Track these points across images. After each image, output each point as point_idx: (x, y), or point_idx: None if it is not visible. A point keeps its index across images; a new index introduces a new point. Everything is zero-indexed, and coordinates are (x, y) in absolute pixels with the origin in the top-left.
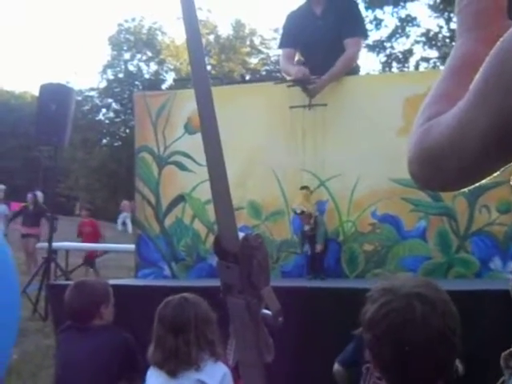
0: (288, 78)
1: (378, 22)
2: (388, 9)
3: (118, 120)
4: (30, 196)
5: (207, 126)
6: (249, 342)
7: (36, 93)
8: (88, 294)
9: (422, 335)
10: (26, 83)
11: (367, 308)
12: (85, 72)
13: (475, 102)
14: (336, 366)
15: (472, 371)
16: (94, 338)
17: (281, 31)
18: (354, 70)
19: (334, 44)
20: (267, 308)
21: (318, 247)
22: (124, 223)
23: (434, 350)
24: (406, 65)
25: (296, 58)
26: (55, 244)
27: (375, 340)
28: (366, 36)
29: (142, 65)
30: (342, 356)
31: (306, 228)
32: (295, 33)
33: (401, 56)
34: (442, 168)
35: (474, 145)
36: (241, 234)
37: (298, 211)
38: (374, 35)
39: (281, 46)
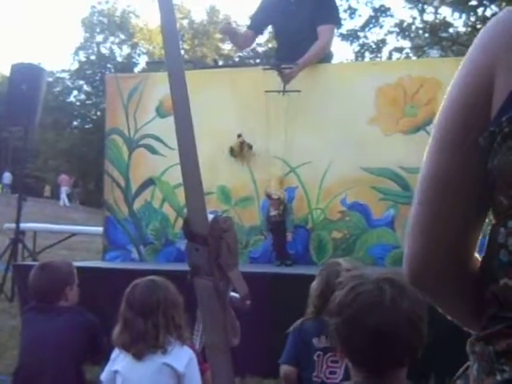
0: (233, 44)
1: (352, 12)
2: None
3: (89, 102)
4: None
5: (180, 109)
6: (216, 324)
7: (7, 73)
8: (53, 274)
9: (391, 318)
10: None
11: (336, 294)
12: (57, 53)
13: None
14: (285, 368)
15: (439, 360)
16: (58, 319)
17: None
18: (327, 57)
19: (307, 31)
20: (235, 291)
21: (289, 235)
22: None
23: (403, 334)
24: (379, 55)
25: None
26: (23, 225)
27: (344, 324)
28: (339, 24)
29: (115, 47)
30: (286, 356)
31: (273, 213)
32: (266, 18)
33: (374, 46)
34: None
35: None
36: (210, 216)
37: (275, 197)
38: (347, 24)
39: (248, 27)
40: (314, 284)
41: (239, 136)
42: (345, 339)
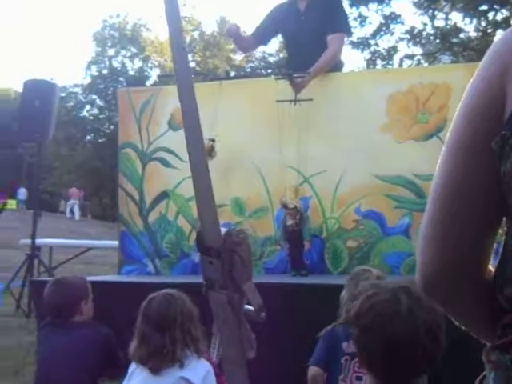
0: (237, 48)
1: (362, 19)
2: (373, 6)
3: (102, 116)
4: None
5: (190, 122)
6: (231, 337)
7: (19, 89)
8: (67, 290)
9: (408, 327)
10: (9, 79)
11: (354, 303)
12: (69, 68)
13: None
14: (314, 369)
15: (456, 366)
16: (74, 335)
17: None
18: (338, 66)
19: (317, 40)
20: (250, 303)
21: (306, 244)
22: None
23: (420, 343)
24: (391, 62)
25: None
26: (38, 241)
27: (362, 332)
28: (349, 32)
29: (127, 61)
30: (316, 358)
31: (290, 222)
32: (274, 28)
33: (385, 53)
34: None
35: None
36: (223, 230)
37: (291, 206)
38: (358, 32)
39: (252, 34)
40: (343, 292)
41: (212, 141)
42: (362, 348)
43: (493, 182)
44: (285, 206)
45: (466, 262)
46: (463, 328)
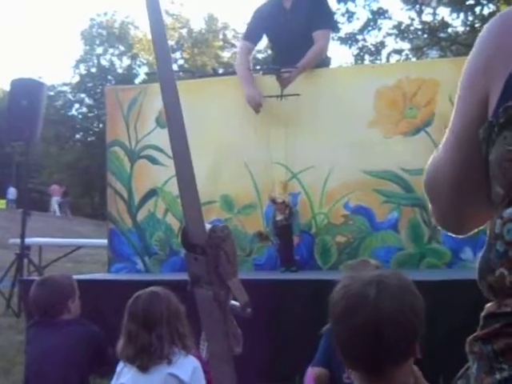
0: (237, 71)
1: (350, 15)
2: (360, 1)
3: (91, 115)
4: None
5: (172, 118)
6: (217, 333)
7: (7, 88)
8: (54, 289)
9: (373, 316)
10: None
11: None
12: (57, 67)
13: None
14: (318, 370)
15: (447, 363)
16: (61, 333)
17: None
18: (324, 62)
19: (304, 38)
20: (235, 299)
21: (296, 239)
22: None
23: (385, 332)
24: (379, 57)
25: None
26: (28, 240)
27: (334, 321)
28: (335, 29)
29: (115, 59)
30: (318, 358)
31: (279, 217)
32: (263, 27)
33: (373, 48)
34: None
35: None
36: (208, 226)
37: (280, 200)
38: (346, 28)
39: (244, 37)
40: None
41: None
42: (336, 338)
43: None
44: (273, 201)
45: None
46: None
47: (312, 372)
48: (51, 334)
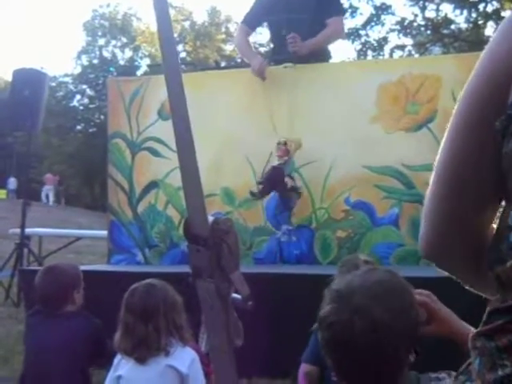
0: (238, 51)
1: (353, 10)
2: None
3: (92, 106)
4: None
5: (177, 110)
6: (218, 326)
7: (9, 78)
8: (60, 278)
9: (359, 351)
10: None
11: (323, 306)
12: (59, 58)
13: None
14: (307, 367)
15: (442, 353)
16: (63, 325)
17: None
18: (326, 57)
19: (305, 30)
20: (237, 292)
21: (290, 181)
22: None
23: (355, 347)
24: (381, 53)
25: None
26: (28, 230)
27: (322, 342)
28: (344, 13)
29: (117, 51)
30: (308, 355)
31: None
32: (263, 16)
33: (376, 44)
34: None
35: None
36: (210, 218)
37: (282, 141)
38: (349, 23)
39: (242, 21)
40: (334, 282)
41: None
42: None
43: (495, 162)
44: (278, 143)
45: (465, 233)
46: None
47: (303, 369)
48: (53, 325)
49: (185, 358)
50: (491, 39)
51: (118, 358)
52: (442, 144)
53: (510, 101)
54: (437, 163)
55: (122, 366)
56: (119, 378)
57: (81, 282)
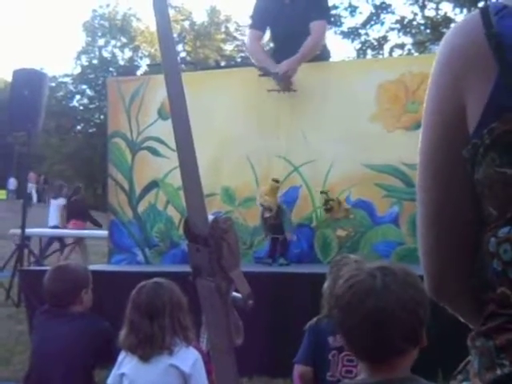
0: (253, 60)
1: (352, 9)
2: None
3: (92, 106)
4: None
5: (177, 109)
6: (218, 325)
7: (9, 78)
8: (70, 277)
9: (384, 303)
10: None
11: (336, 286)
12: (59, 58)
13: None
14: (301, 368)
15: (446, 357)
16: (70, 325)
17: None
18: (325, 56)
19: (304, 31)
20: (237, 291)
21: (288, 235)
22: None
23: (397, 319)
24: (381, 52)
25: (262, 42)
26: (28, 230)
27: (340, 313)
28: (331, 22)
29: (117, 51)
30: (302, 356)
31: (267, 215)
32: (264, 17)
33: (375, 43)
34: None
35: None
36: (210, 217)
37: (258, 203)
38: (348, 22)
39: (250, 26)
40: (326, 283)
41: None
42: (343, 329)
43: (471, 193)
44: (262, 205)
45: (464, 271)
46: (458, 317)
47: (297, 370)
48: (60, 325)
49: (188, 357)
50: (435, 64)
51: (122, 355)
52: (419, 179)
53: (472, 130)
54: (419, 202)
55: (126, 363)
56: (122, 375)
57: (90, 282)
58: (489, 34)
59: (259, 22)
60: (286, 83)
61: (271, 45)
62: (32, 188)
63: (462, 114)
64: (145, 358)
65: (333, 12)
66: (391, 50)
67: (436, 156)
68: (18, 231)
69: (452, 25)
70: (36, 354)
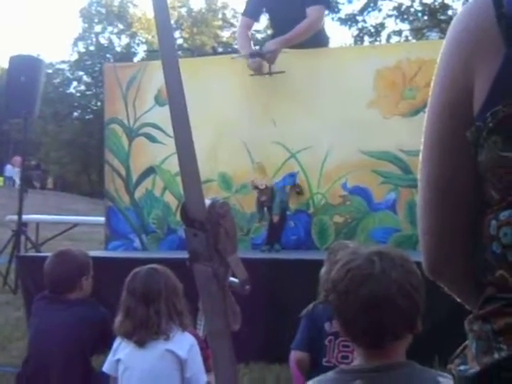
0: (238, 46)
1: None
2: None
3: (89, 93)
4: None
5: (174, 95)
6: (216, 310)
7: (5, 65)
8: (71, 263)
9: (382, 287)
10: None
11: (333, 271)
12: (55, 44)
13: None
14: (298, 353)
15: (442, 342)
16: (69, 312)
17: None
18: (323, 41)
19: (301, 18)
20: (234, 276)
21: (275, 218)
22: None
23: (395, 303)
24: (378, 38)
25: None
26: (25, 217)
27: (338, 298)
28: (329, 7)
29: (114, 37)
30: (298, 341)
31: (263, 198)
32: (262, 3)
33: (373, 30)
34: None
35: None
36: (207, 202)
37: (262, 187)
38: (346, 9)
39: (243, 13)
40: (323, 269)
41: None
42: (339, 313)
43: (475, 175)
44: (256, 187)
45: (462, 249)
46: (455, 300)
47: (294, 356)
48: (59, 311)
49: (184, 342)
50: (445, 44)
51: (117, 341)
52: (421, 165)
53: (476, 112)
54: (420, 186)
55: (122, 349)
56: (118, 361)
57: (90, 269)
58: (499, 14)
59: (252, 9)
60: (258, 65)
61: (269, 32)
62: (14, 172)
63: (469, 95)
64: (140, 343)
65: None
66: (388, 37)
67: (443, 136)
68: (15, 217)
69: (449, 12)
70: (34, 340)
